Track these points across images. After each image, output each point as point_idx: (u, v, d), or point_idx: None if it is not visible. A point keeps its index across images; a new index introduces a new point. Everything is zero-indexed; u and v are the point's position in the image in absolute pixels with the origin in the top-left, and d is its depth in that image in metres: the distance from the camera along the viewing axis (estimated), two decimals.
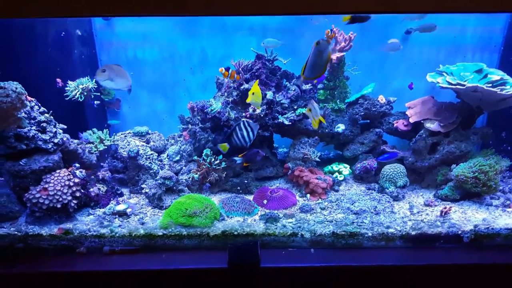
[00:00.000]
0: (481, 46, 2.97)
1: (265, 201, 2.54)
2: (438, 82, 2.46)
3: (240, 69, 2.58)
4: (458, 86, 2.37)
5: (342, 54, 2.64)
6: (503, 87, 2.35)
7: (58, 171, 2.28)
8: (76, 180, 2.31)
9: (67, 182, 2.26)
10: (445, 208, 2.38)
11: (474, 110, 2.60)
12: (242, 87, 2.54)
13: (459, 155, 2.57)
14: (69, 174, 2.30)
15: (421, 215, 2.41)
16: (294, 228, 2.25)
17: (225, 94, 2.64)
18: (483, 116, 2.94)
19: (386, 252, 2.18)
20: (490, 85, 2.34)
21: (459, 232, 2.18)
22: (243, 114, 2.57)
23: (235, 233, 2.21)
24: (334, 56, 2.63)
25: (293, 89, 2.70)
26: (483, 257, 2.14)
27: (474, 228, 2.19)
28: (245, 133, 2.29)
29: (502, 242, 2.19)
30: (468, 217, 2.38)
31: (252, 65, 2.66)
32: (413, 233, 2.20)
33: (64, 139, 2.40)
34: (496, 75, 2.43)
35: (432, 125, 2.60)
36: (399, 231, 2.20)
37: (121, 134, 2.87)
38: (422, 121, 2.65)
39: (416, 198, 2.64)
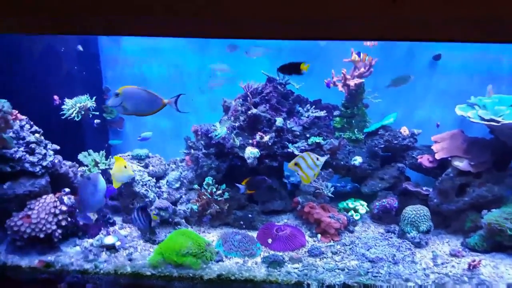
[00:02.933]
0: None
1: (270, 240, 2.28)
2: (469, 116, 2.18)
3: (249, 92, 2.37)
4: (492, 122, 2.08)
5: (361, 80, 2.39)
6: None
7: (44, 196, 2.10)
8: (63, 207, 2.11)
9: (52, 210, 2.07)
10: (473, 261, 2.07)
11: (509, 149, 2.30)
12: (250, 112, 2.33)
13: (491, 200, 2.26)
14: (55, 201, 2.11)
15: (446, 267, 2.10)
16: (299, 276, 1.99)
17: (232, 118, 2.43)
18: None
19: None
20: None
21: None
22: (250, 141, 2.34)
23: (232, 277, 1.96)
24: (352, 83, 2.39)
25: (306, 116, 2.47)
26: None
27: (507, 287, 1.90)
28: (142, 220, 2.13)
29: None
30: (500, 272, 2.06)
31: (262, 89, 2.45)
32: None
33: (56, 161, 2.22)
34: None
35: (461, 164, 2.30)
36: (419, 285, 1.92)
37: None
38: (449, 158, 2.35)
39: (441, 245, 2.33)
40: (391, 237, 2.34)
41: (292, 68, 2.08)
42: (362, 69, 2.39)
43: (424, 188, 2.50)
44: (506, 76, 2.68)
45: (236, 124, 2.38)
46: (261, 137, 2.27)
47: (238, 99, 2.49)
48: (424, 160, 2.46)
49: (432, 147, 2.45)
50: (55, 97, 2.43)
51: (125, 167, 2.06)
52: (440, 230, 2.47)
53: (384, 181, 2.59)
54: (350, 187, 3.08)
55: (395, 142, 2.53)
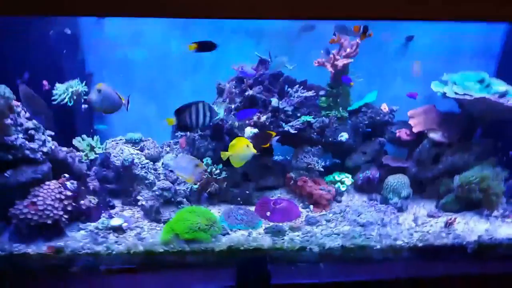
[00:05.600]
0: (479, 54, 2.99)
1: (268, 213, 2.44)
2: (445, 92, 2.45)
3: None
4: (466, 97, 2.37)
5: (349, 61, 2.58)
6: (509, 97, 2.37)
7: (47, 183, 2.08)
8: (68, 193, 2.11)
9: (58, 196, 2.06)
10: (450, 219, 2.38)
11: (475, 121, 2.62)
12: (246, 93, 2.43)
13: (462, 166, 2.57)
14: (59, 187, 2.10)
15: (426, 226, 2.40)
16: (302, 242, 2.17)
17: (227, 100, 2.51)
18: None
19: (395, 265, 2.16)
20: (497, 96, 2.36)
21: (464, 243, 2.19)
22: (247, 121, 2.45)
23: (242, 248, 2.10)
24: (340, 63, 2.56)
25: (295, 96, 2.61)
26: (487, 267, 2.16)
27: (478, 239, 2.21)
28: (200, 116, 2.02)
29: (504, 252, 2.22)
30: (471, 228, 2.39)
31: (255, 70, 2.55)
32: (420, 244, 2.19)
33: (53, 147, 2.19)
34: (501, 85, 2.45)
35: (436, 135, 2.59)
36: (406, 243, 2.18)
37: (112, 141, 2.68)
38: (425, 131, 2.63)
39: (418, 208, 2.63)
40: (376, 204, 2.59)
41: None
42: (349, 50, 2.57)
43: (402, 162, 2.78)
44: (469, 54, 3.00)
45: (233, 106, 2.47)
46: (259, 118, 2.39)
47: (232, 81, 2.57)
48: (403, 133, 2.73)
49: (409, 122, 2.71)
50: (44, 82, 2.36)
51: (248, 145, 2.07)
52: (415, 195, 2.77)
53: (366, 154, 2.83)
54: (329, 163, 3.29)
55: (378, 118, 2.77)
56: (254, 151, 2.10)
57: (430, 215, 2.50)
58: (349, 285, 2.03)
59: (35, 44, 2.44)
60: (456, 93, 2.40)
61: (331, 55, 2.60)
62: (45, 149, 2.08)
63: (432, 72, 2.82)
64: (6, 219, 2.01)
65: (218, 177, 2.47)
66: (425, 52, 3.03)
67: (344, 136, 2.69)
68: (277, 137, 2.39)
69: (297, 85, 2.69)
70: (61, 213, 2.05)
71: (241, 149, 2.09)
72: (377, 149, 2.82)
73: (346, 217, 2.44)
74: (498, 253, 2.22)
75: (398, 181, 2.60)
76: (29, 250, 1.97)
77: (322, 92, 2.81)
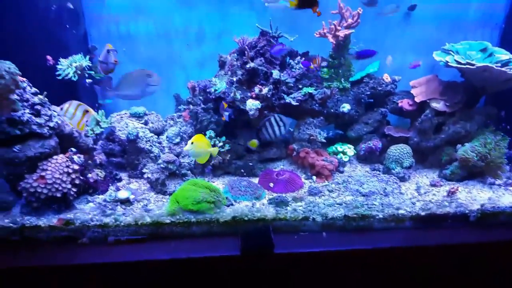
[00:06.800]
0: (482, 23, 2.94)
1: (271, 184, 2.49)
2: (448, 61, 2.42)
3: (246, 46, 2.45)
4: (468, 66, 2.34)
5: (350, 31, 2.54)
6: (510, 67, 2.34)
7: (55, 157, 2.12)
8: (75, 166, 2.16)
9: (65, 169, 2.11)
10: (452, 188, 2.40)
11: (478, 90, 2.60)
12: (248, 66, 2.42)
13: (464, 135, 2.58)
14: (67, 160, 2.14)
15: (428, 195, 2.43)
16: (305, 212, 2.21)
17: (229, 73, 2.51)
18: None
19: (397, 234, 2.19)
20: (499, 65, 2.33)
21: (466, 211, 2.22)
22: (249, 94, 2.46)
23: (246, 218, 2.15)
24: (341, 34, 2.53)
25: (297, 68, 2.60)
26: (489, 235, 2.20)
27: (480, 207, 2.23)
28: (276, 128, 2.22)
29: (507, 220, 2.24)
30: (473, 196, 2.42)
31: (256, 42, 2.53)
32: (423, 213, 2.21)
33: (59, 122, 2.22)
34: (504, 54, 2.42)
35: (438, 105, 2.58)
36: (409, 212, 2.20)
37: (117, 115, 2.71)
38: (427, 101, 2.63)
39: (421, 178, 2.66)
40: (378, 174, 2.62)
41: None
42: (350, 20, 2.53)
43: (405, 131, 2.79)
44: (472, 23, 2.94)
45: (234, 79, 2.47)
46: (260, 90, 2.39)
47: (233, 54, 2.56)
48: (405, 103, 2.72)
49: (411, 91, 2.71)
50: (49, 57, 2.37)
51: (192, 143, 2.17)
52: (417, 165, 2.79)
53: (368, 125, 2.84)
54: (332, 134, 3.31)
55: (379, 89, 2.76)
56: (196, 149, 2.17)
57: (432, 184, 2.53)
58: (351, 253, 2.08)
59: (38, 20, 2.43)
60: (458, 62, 2.38)
61: (332, 26, 2.57)
62: (51, 124, 2.12)
63: (435, 41, 2.78)
64: (16, 192, 2.08)
65: (221, 150, 2.50)
66: (428, 21, 2.98)
67: (346, 107, 2.69)
68: (229, 110, 2.40)
69: (299, 57, 2.67)
70: (69, 186, 2.11)
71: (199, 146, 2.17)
72: (379, 120, 2.83)
73: (348, 187, 2.48)
74: (500, 221, 2.25)
75: (400, 151, 2.62)
76: (40, 223, 2.04)
77: (324, 63, 2.80)
